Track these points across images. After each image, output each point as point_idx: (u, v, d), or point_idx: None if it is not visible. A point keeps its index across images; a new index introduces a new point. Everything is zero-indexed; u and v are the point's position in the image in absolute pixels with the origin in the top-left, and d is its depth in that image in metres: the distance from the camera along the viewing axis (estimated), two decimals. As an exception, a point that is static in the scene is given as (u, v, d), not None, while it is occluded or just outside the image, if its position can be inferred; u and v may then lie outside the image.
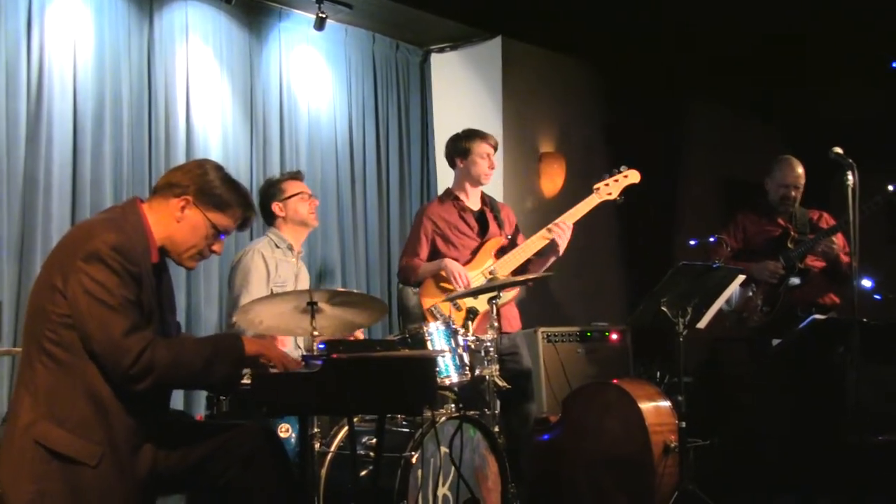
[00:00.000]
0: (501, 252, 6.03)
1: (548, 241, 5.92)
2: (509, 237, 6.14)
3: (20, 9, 5.92)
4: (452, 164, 6.27)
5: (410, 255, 6.12)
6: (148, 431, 3.40)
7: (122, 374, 3.25)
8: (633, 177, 6.09)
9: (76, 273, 3.25)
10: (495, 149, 6.23)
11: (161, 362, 3.29)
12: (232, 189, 3.66)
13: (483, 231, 6.14)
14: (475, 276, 5.88)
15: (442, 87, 8.53)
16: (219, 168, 3.72)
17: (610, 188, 6.03)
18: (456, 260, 5.95)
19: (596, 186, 6.04)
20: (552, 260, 6.03)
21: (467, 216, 6.15)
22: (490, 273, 5.74)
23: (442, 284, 5.89)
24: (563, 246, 5.91)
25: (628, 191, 6.09)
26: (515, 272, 5.95)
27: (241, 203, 3.67)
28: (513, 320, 6.10)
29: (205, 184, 3.60)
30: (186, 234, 3.59)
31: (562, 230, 5.88)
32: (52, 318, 3.28)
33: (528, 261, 6.01)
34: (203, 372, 3.42)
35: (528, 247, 5.96)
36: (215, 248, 3.69)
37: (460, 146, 6.19)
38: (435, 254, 6.07)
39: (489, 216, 6.20)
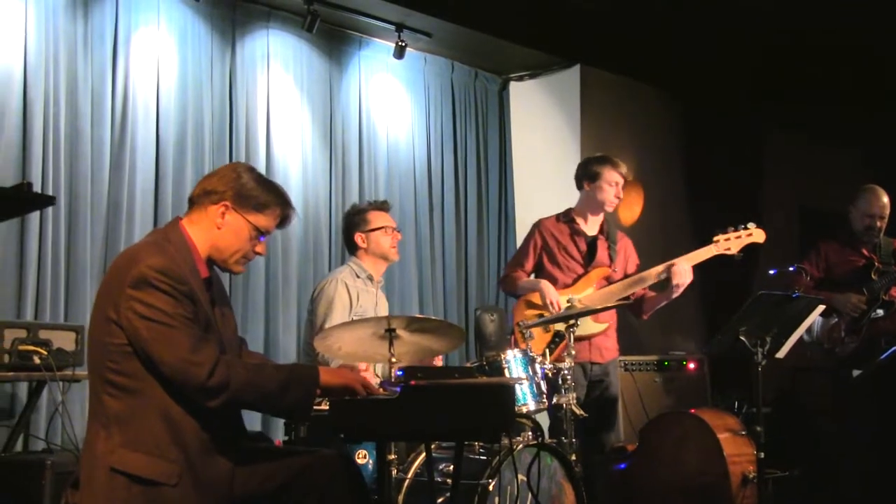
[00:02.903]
0: (606, 283, 5.94)
1: (659, 279, 5.79)
2: (616, 269, 6.00)
3: (106, 38, 6.07)
4: (580, 187, 6.10)
5: (514, 266, 6.07)
6: (223, 449, 3.39)
7: (197, 389, 3.24)
8: (757, 236, 5.92)
9: (127, 301, 3.25)
10: (626, 179, 6.09)
11: (236, 381, 3.29)
12: (268, 189, 3.65)
13: (591, 258, 6.00)
14: None
15: (520, 114, 8.57)
16: (251, 169, 3.71)
17: (730, 242, 5.84)
18: (557, 281, 5.88)
19: (716, 238, 5.83)
20: (662, 303, 5.92)
21: (579, 240, 6.02)
22: (568, 301, 5.63)
23: (532, 310, 5.84)
24: (680, 289, 5.74)
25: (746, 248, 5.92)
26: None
27: (279, 202, 3.65)
28: (604, 351, 5.95)
29: (241, 187, 3.59)
30: (230, 239, 3.59)
31: (681, 273, 5.69)
32: (111, 349, 3.28)
33: (643, 296, 5.94)
34: (276, 396, 3.40)
35: (634, 281, 5.85)
36: (258, 249, 3.68)
37: (590, 170, 6.04)
38: (539, 269, 6.02)
39: (602, 245, 6.05)
